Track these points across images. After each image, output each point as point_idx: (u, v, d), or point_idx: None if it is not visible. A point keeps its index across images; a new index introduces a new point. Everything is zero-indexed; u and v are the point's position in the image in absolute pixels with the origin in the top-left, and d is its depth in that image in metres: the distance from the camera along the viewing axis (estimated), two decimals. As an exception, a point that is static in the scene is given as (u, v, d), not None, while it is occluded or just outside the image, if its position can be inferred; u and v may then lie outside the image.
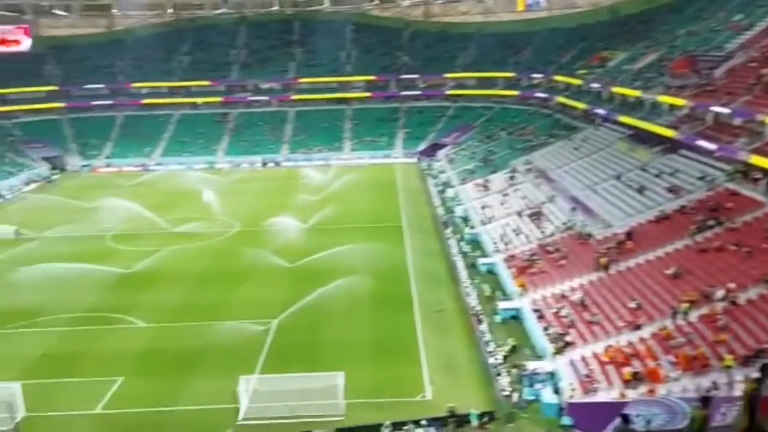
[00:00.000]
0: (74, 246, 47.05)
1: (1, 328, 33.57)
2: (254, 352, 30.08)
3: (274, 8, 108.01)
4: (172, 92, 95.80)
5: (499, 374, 27.11)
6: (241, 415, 24.93)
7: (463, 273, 39.51)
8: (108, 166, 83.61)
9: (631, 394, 23.27)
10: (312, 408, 24.72)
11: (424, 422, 24.03)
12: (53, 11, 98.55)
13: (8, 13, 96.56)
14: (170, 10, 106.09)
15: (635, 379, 24.11)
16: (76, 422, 24.90)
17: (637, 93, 55.29)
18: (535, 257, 38.92)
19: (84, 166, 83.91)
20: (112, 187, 68.54)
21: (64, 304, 35.87)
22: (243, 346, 30.57)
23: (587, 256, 36.67)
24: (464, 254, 43.21)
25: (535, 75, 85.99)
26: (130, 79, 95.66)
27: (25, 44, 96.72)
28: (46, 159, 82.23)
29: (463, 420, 24.31)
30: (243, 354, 29.78)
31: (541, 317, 31.42)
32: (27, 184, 74.00)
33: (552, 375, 26.48)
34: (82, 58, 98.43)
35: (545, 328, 30.00)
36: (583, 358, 26.79)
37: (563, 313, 30.96)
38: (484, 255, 42.98)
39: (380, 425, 23.83)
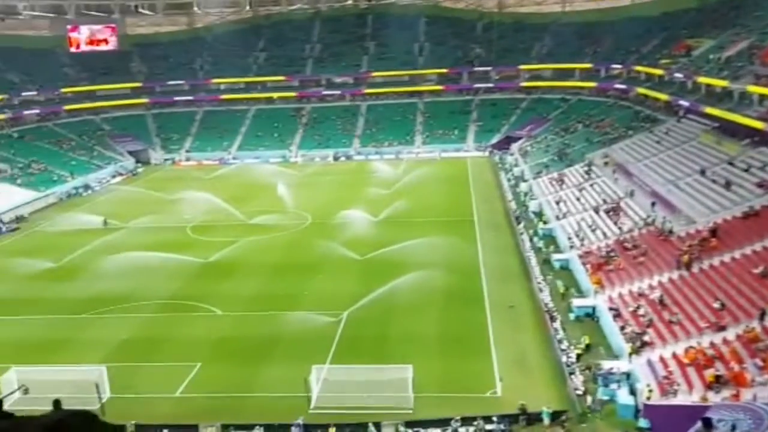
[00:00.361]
0: (157, 236, 49.14)
1: (89, 313, 35.46)
2: (325, 342, 30.56)
3: (348, 2, 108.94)
4: (249, 88, 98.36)
5: (572, 373, 26.48)
6: (313, 403, 25.39)
7: (535, 269, 38.78)
8: (188, 159, 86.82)
9: (714, 398, 22.21)
10: (381, 400, 24.88)
11: (494, 418, 23.78)
12: (139, 10, 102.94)
13: (97, 14, 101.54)
14: (247, 8, 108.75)
15: (718, 382, 23.01)
16: (157, 404, 26.03)
17: (724, 83, 52.52)
18: (612, 254, 37.70)
19: (166, 159, 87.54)
20: (191, 180, 71.22)
21: (147, 291, 37.54)
22: (314, 337, 31.12)
23: (668, 253, 35.19)
24: (537, 250, 42.41)
25: (614, 66, 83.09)
26: (209, 75, 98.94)
27: (113, 43, 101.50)
28: (131, 153, 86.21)
29: (533, 418, 23.90)
30: (314, 344, 30.31)
31: (617, 315, 30.44)
32: (114, 176, 77.91)
33: (628, 375, 25.64)
34: (165, 55, 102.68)
35: (622, 327, 29.04)
36: (662, 359, 25.77)
37: (641, 311, 29.88)
38: (558, 251, 42.05)
39: (449, 419, 23.75)
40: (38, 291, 39.35)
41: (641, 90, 72.18)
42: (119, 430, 0.94)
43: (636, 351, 26.76)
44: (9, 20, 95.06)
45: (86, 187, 71.51)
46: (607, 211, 45.48)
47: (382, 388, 25.13)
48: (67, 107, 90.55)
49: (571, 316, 32.39)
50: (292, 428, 23.72)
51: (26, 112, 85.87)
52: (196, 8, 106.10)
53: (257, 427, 23.49)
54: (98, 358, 29.39)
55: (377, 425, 23.88)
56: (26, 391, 20.63)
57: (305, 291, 37.36)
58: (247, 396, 26.63)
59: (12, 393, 21.93)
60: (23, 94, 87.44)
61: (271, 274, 40.90)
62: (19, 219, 58.72)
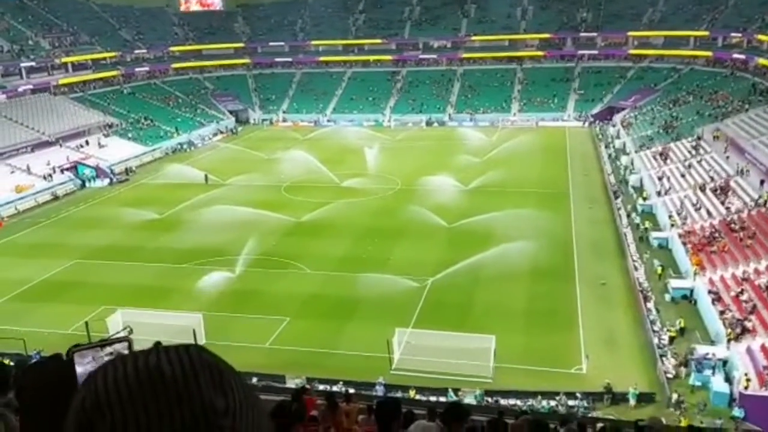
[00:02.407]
0: (254, 194, 50.90)
1: (189, 263, 37.42)
2: (409, 307, 30.85)
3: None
4: (346, 50, 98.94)
5: (663, 355, 25.49)
6: (394, 364, 25.81)
7: (632, 246, 37.29)
8: (284, 120, 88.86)
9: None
10: (462, 367, 24.95)
11: (578, 395, 23.36)
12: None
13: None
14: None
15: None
16: (249, 353, 27.26)
17: None
18: (716, 235, 35.61)
19: (264, 119, 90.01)
20: (287, 141, 73.04)
21: (243, 246, 39.04)
22: (399, 300, 31.46)
23: (779, 237, 32.87)
24: (635, 226, 40.70)
25: (733, 34, 77.18)
26: (308, 37, 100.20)
27: (218, 2, 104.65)
28: (232, 112, 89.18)
29: (618, 398, 23.28)
30: (398, 308, 30.66)
31: (717, 299, 28.88)
32: (215, 134, 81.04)
33: (724, 362, 24.40)
34: (267, 16, 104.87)
35: (721, 312, 27.58)
36: (764, 348, 24.28)
37: (744, 297, 28.18)
38: (657, 229, 40.18)
39: (530, 392, 23.55)
40: (144, 240, 41.87)
41: (763, 61, 66.78)
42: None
43: (735, 337, 25.38)
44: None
45: (190, 143, 74.83)
46: (713, 190, 42.86)
47: (463, 356, 25.20)
48: (174, 65, 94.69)
49: (667, 297, 31.05)
50: (376, 386, 24.25)
51: (137, 69, 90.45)
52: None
53: (341, 382, 24.18)
54: (196, 306, 31.06)
55: (456, 391, 24.02)
56: (130, 332, 22.17)
57: (392, 256, 37.65)
58: (332, 353, 27.42)
59: (117, 333, 23.65)
60: (135, 52, 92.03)
61: (360, 236, 41.48)
62: (129, 171, 62.42)
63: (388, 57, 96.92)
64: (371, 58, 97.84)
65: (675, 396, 23.20)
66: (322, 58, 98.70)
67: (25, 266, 37.92)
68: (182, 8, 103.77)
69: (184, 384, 1.06)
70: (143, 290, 33.70)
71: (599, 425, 13.79)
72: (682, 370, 24.84)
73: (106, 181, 58.73)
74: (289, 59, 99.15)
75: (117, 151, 66.38)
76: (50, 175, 56.80)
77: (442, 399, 22.93)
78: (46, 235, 45.00)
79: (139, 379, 1.05)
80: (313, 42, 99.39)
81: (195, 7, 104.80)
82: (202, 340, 27.26)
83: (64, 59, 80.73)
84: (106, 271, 36.97)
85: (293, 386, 21.84)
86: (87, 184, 58.13)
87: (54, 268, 37.49)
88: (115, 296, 32.35)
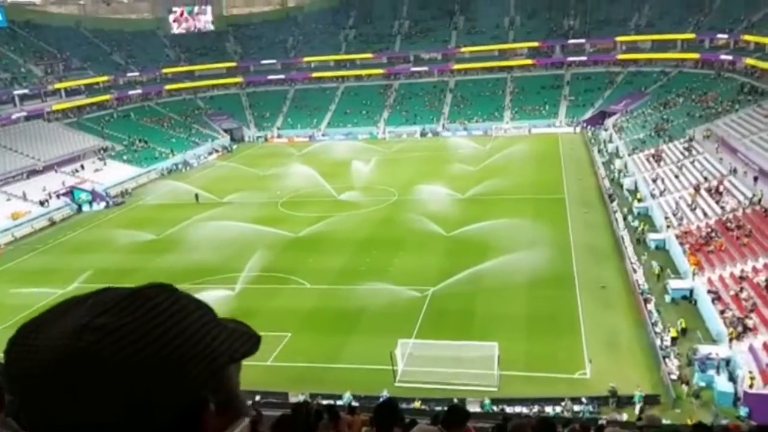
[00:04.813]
0: (250, 211, 50.89)
1: (188, 283, 37.32)
2: (411, 317, 30.85)
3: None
4: (338, 65, 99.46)
5: (666, 357, 25.51)
6: (398, 376, 25.77)
7: (629, 248, 37.41)
8: (279, 136, 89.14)
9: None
10: (466, 376, 24.93)
11: (583, 400, 23.35)
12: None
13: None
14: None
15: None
16: (251, 371, 26.73)
17: None
18: (713, 234, 35.77)
19: (258, 136, 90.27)
20: (283, 156, 73.23)
21: (241, 263, 39.00)
22: (400, 311, 31.46)
23: (776, 234, 33.03)
24: (632, 229, 40.85)
25: (719, 35, 77.90)
26: (300, 54, 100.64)
27: (208, 23, 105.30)
28: (227, 130, 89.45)
29: (624, 401, 23.28)
30: (400, 318, 30.65)
31: (717, 299, 28.97)
32: (210, 153, 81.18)
33: (728, 361, 24.43)
34: (258, 35, 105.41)
35: (722, 311, 27.64)
36: (766, 346, 24.34)
37: (744, 295, 28.27)
38: (654, 230, 40.34)
39: (536, 399, 23.52)
40: (142, 262, 41.80)
41: (750, 61, 67.37)
42: (203, 306, 0.97)
43: (737, 336, 25.43)
44: (114, 4, 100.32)
45: (185, 163, 74.98)
46: (708, 190, 43.09)
47: (467, 365, 25.18)
48: (167, 87, 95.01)
49: (667, 298, 31.13)
50: (380, 399, 24.14)
51: (130, 92, 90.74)
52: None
53: (347, 394, 24.10)
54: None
55: (462, 401, 23.94)
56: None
57: (391, 267, 37.72)
58: (335, 367, 27.38)
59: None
60: (128, 75, 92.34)
61: (358, 249, 41.53)
62: (125, 193, 62.46)
63: (380, 71, 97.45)
64: (363, 72, 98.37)
65: (680, 396, 23.22)
66: (314, 74, 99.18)
67: (23, 293, 37.80)
68: (173, 30, 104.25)
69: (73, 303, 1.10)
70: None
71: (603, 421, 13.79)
72: (687, 370, 24.85)
73: (103, 204, 58.76)
74: (282, 76, 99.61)
75: (113, 174, 66.48)
76: (46, 201, 56.80)
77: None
78: (44, 261, 44.93)
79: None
80: (305, 58, 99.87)
81: (185, 28, 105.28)
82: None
83: (57, 85, 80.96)
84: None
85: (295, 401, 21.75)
86: (83, 209, 58.14)
87: (53, 294, 37.32)
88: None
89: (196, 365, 1.10)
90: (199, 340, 1.12)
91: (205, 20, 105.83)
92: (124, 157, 72.54)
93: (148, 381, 1.03)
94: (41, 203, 56.30)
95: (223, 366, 1.19)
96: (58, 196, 58.26)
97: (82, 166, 66.97)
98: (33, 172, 62.99)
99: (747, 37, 70.27)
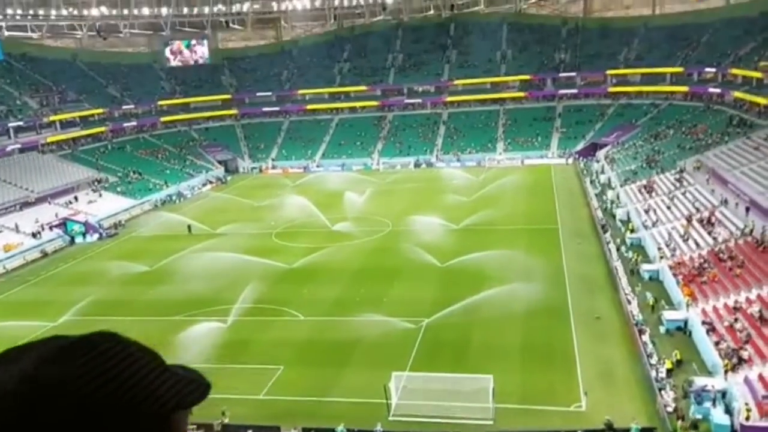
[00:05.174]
0: (244, 242, 50.83)
1: (181, 315, 37.09)
2: (405, 349, 30.62)
3: (430, 12, 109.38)
4: (333, 98, 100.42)
5: (662, 389, 25.36)
6: (392, 410, 25.49)
7: (623, 279, 37.43)
8: (274, 168, 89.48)
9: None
10: (461, 410, 24.68)
11: (578, 433, 23.13)
12: (229, 25, 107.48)
13: (191, 29, 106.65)
14: (332, 21, 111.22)
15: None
16: (243, 405, 26.83)
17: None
18: (705, 265, 35.88)
19: (253, 168, 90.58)
20: (277, 187, 73.38)
21: (235, 294, 38.80)
22: (394, 343, 31.24)
23: (767, 265, 33.18)
24: (625, 260, 40.94)
25: (707, 69, 79.25)
26: (295, 87, 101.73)
27: (204, 56, 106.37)
28: (221, 162, 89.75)
29: (620, 434, 23.07)
30: (394, 351, 30.43)
31: (712, 330, 28.92)
32: (204, 184, 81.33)
33: (723, 393, 24.30)
34: (253, 68, 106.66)
35: (716, 342, 27.58)
36: (762, 378, 24.26)
37: (738, 326, 28.26)
38: (647, 261, 40.45)
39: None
40: (135, 294, 41.55)
41: (738, 94, 68.43)
42: (150, 353, 0.97)
43: (732, 368, 25.34)
44: (111, 38, 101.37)
45: (179, 194, 75.01)
46: (699, 221, 43.36)
47: (462, 398, 24.94)
48: (162, 119, 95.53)
49: (662, 329, 31.06)
50: (374, 434, 23.89)
51: (125, 125, 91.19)
52: (283, 22, 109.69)
53: (340, 428, 23.79)
54: (187, 358, 30.58)
55: (457, 435, 23.70)
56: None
57: (385, 297, 37.57)
58: (328, 400, 27.02)
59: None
60: (123, 107, 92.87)
61: (353, 280, 41.42)
62: (118, 225, 62.27)
63: (374, 103, 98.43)
64: (357, 104, 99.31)
65: (676, 429, 23.03)
66: (309, 106, 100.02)
67: (15, 325, 37.38)
68: (169, 63, 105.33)
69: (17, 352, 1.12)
70: (135, 344, 33.18)
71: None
72: (683, 403, 24.69)
73: (96, 236, 58.54)
74: (277, 108, 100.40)
75: (106, 205, 66.40)
76: (39, 233, 56.57)
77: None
78: (36, 293, 44.58)
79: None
80: (300, 91, 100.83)
81: (181, 61, 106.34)
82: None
83: (52, 117, 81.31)
84: (97, 328, 36.11)
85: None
86: (76, 240, 57.90)
87: (44, 327, 36.98)
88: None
89: (144, 411, 1.08)
90: (146, 386, 1.12)
91: (201, 53, 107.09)
92: (119, 189, 72.53)
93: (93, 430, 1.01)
94: (33, 235, 56.06)
95: (172, 412, 1.16)
96: (50, 228, 58.06)
97: (76, 198, 66.88)
98: (26, 204, 62.83)
99: (734, 71, 71.49)
